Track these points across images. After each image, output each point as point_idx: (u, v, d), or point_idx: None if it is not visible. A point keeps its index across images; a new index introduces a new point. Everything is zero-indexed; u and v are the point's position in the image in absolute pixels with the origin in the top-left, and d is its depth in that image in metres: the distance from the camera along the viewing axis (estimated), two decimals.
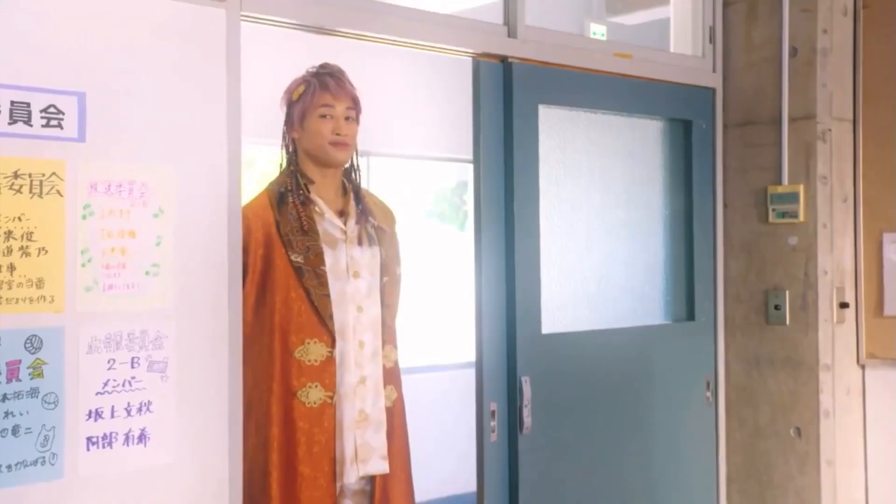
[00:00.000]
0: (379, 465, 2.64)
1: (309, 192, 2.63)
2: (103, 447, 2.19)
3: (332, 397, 2.56)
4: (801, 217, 3.50)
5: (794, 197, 3.51)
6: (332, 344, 2.56)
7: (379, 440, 2.64)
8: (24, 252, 2.08)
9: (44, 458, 2.10)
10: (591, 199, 3.46)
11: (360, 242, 2.65)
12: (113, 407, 2.21)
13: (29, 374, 2.08)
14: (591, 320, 3.41)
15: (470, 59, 3.06)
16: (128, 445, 2.23)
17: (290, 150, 2.69)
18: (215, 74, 2.42)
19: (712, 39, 3.75)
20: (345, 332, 2.58)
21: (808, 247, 3.50)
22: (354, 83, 2.71)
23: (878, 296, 3.57)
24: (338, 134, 2.62)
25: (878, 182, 3.58)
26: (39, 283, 2.10)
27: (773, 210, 3.57)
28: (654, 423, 3.54)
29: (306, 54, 2.79)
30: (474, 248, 3.05)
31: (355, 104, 2.68)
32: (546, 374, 3.15)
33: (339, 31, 2.75)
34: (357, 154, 2.76)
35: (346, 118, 2.65)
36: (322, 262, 2.56)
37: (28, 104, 2.09)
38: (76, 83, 2.17)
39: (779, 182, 3.56)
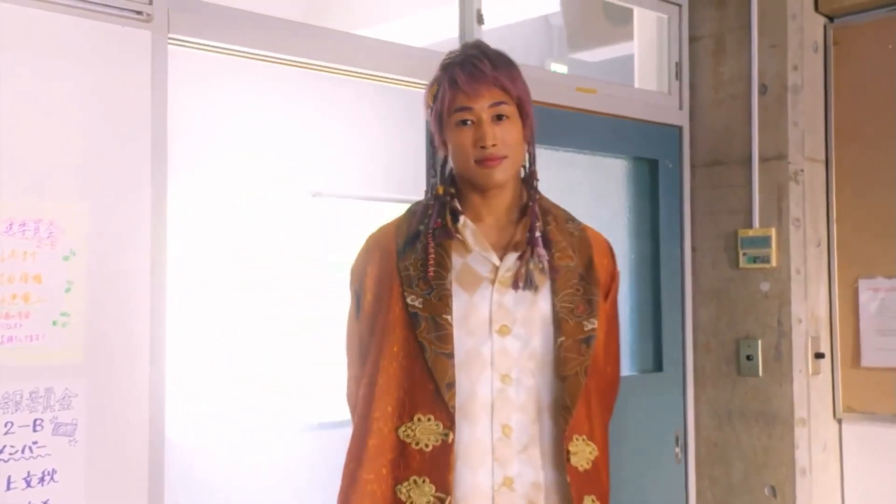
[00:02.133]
0: None
1: (456, 219, 1.86)
2: None
3: (444, 501, 1.77)
4: (774, 262, 3.33)
5: (765, 241, 3.35)
6: (451, 425, 1.76)
7: None
8: None
9: None
10: None
11: (516, 285, 1.83)
12: (9, 477, 1.94)
13: None
14: None
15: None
16: None
17: (441, 167, 1.94)
18: (138, 102, 2.20)
19: (678, 76, 3.60)
20: (472, 410, 1.78)
21: (782, 293, 3.33)
22: (300, 116, 2.47)
23: (854, 346, 3.39)
24: (482, 146, 1.81)
25: (852, 226, 3.42)
26: None
27: (744, 254, 3.40)
28: (621, 482, 3.29)
29: (240, 81, 2.55)
30: None
31: (509, 94, 1.84)
32: None
33: (281, 59, 2.53)
34: (533, 161, 1.94)
35: (497, 117, 1.83)
36: (447, 308, 1.80)
37: None
38: None
39: (749, 225, 3.40)
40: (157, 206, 2.22)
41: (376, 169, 5.04)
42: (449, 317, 1.79)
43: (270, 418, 2.78)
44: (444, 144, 1.89)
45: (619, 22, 4.01)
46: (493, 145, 1.81)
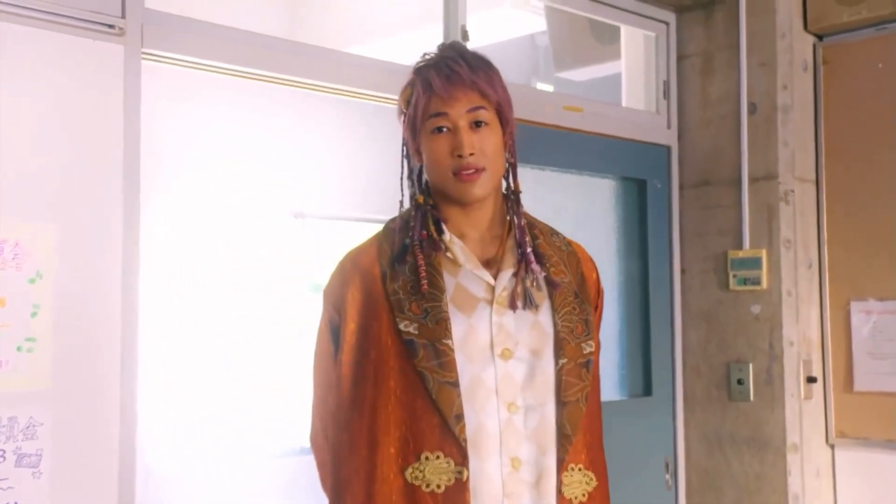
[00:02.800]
0: None
1: (440, 231, 1.71)
2: None
3: None
4: (764, 284, 3.27)
5: (756, 262, 3.29)
6: (464, 461, 1.60)
7: None
8: None
9: None
10: None
11: (514, 305, 1.68)
12: None
13: None
14: None
15: None
16: None
17: (416, 178, 1.78)
18: (110, 119, 2.12)
19: (666, 95, 3.55)
20: (480, 443, 1.62)
21: (773, 316, 3.26)
22: (282, 134, 2.37)
23: (847, 369, 3.33)
24: (459, 155, 1.65)
25: (843, 247, 3.37)
26: None
27: (734, 276, 3.34)
28: None
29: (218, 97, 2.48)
30: None
31: (488, 98, 1.69)
32: None
33: (259, 75, 2.46)
34: (514, 171, 1.79)
35: (475, 124, 1.67)
36: (447, 332, 1.62)
37: None
38: None
39: (739, 246, 3.34)
40: (129, 227, 2.14)
41: (361, 189, 4.96)
42: (449, 342, 1.61)
43: (254, 443, 2.69)
44: (419, 153, 1.73)
45: (606, 40, 3.96)
46: (471, 154, 1.65)
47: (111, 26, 2.13)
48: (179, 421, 2.86)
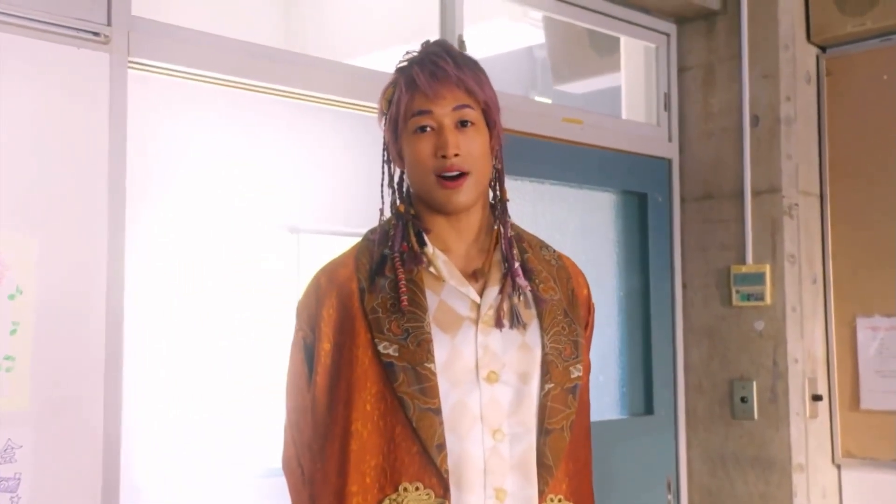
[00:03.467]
0: None
1: (422, 243, 1.59)
2: None
3: None
4: (768, 299, 3.20)
5: (759, 277, 3.22)
6: (445, 493, 1.49)
7: None
8: None
9: None
10: None
11: (500, 323, 1.56)
12: None
13: None
14: None
15: None
16: None
17: (397, 185, 1.66)
18: (96, 129, 2.05)
19: (667, 107, 3.49)
20: (463, 474, 1.50)
21: (777, 332, 3.19)
22: (277, 146, 2.28)
23: (853, 387, 3.26)
24: (444, 156, 1.54)
25: (848, 262, 3.30)
26: None
27: (737, 292, 3.27)
28: None
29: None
30: None
31: (475, 97, 1.58)
32: None
33: (250, 85, 2.39)
34: (501, 178, 1.67)
35: (461, 123, 1.56)
36: (429, 355, 1.51)
37: None
38: None
39: (742, 261, 3.27)
40: (114, 241, 2.07)
41: (357, 203, 4.89)
42: (432, 365, 1.49)
43: (245, 462, 2.62)
44: (400, 156, 1.61)
45: (605, 52, 3.90)
46: (456, 155, 1.53)
47: (96, 34, 2.06)
48: (170, 439, 2.78)
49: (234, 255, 2.75)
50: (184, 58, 2.24)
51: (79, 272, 2.00)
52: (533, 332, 1.58)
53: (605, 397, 3.30)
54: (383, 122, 1.64)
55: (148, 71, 2.20)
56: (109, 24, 2.09)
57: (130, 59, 2.13)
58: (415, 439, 1.48)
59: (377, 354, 1.50)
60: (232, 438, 2.78)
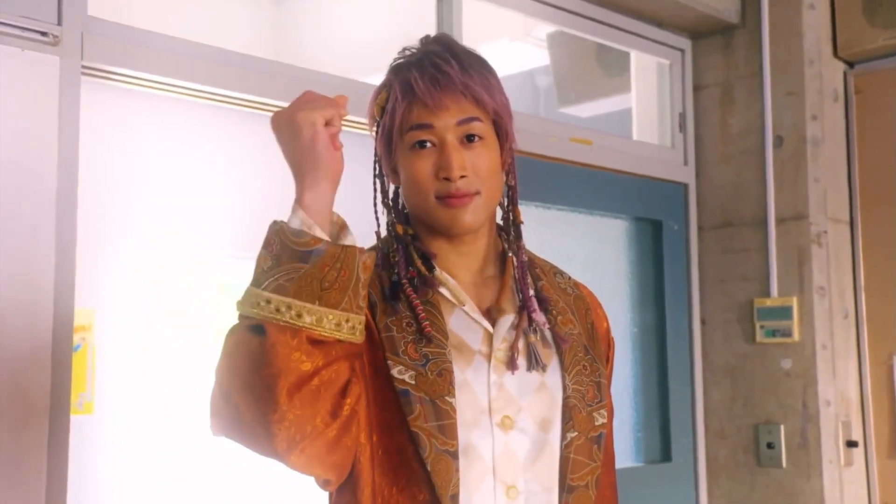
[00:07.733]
0: None
1: (430, 267, 1.37)
2: None
3: None
4: (796, 336, 2.97)
5: (786, 312, 2.97)
6: None
7: None
8: None
9: None
10: None
11: (513, 364, 1.34)
12: None
13: None
14: None
15: None
16: None
17: (392, 202, 1.43)
18: (42, 139, 1.82)
19: (682, 128, 3.26)
20: None
21: (806, 371, 2.94)
22: (251, 160, 2.05)
23: (890, 432, 3.03)
24: (446, 178, 1.32)
25: (883, 294, 3.07)
26: None
27: (762, 327, 3.04)
28: None
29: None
30: None
31: (484, 107, 1.35)
32: None
33: (223, 96, 2.15)
34: (514, 197, 1.46)
35: (467, 138, 1.34)
36: (450, 389, 1.29)
37: None
38: None
39: (767, 294, 3.04)
40: (62, 268, 1.82)
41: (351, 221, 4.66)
42: (453, 400, 1.27)
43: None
44: (395, 172, 1.39)
45: (615, 72, 3.68)
46: (462, 177, 1.31)
47: (44, 34, 1.83)
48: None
49: (191, 277, 2.53)
50: (147, 64, 1.99)
51: (22, 289, 1.79)
52: (553, 372, 1.37)
53: (619, 443, 3.06)
54: (375, 130, 1.40)
55: (105, 78, 1.96)
56: (60, 23, 1.86)
57: (85, 63, 1.89)
58: (424, 486, 1.25)
59: (389, 378, 1.27)
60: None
